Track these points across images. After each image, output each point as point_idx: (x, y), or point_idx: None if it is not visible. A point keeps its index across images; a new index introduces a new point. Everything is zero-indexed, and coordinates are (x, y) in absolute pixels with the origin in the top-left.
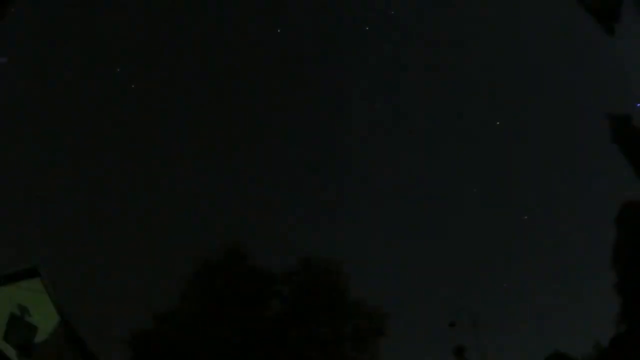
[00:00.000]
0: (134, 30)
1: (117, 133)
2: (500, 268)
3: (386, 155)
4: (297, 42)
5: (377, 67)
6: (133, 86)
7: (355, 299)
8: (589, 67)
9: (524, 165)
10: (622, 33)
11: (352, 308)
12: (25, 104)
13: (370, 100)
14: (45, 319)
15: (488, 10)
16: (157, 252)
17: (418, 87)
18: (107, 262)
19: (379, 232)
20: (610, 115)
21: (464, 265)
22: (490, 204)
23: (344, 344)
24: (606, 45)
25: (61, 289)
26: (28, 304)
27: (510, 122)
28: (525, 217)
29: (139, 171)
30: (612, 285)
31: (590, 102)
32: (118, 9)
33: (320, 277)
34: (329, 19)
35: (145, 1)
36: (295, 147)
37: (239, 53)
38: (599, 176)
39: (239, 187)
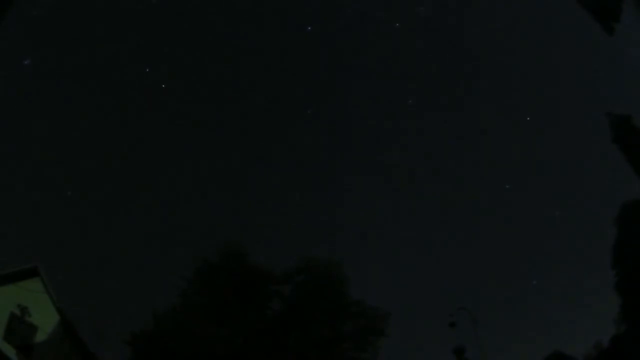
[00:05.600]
0: (144, 31)
1: (116, 133)
2: (500, 268)
3: (390, 152)
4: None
5: (394, 64)
6: (137, 86)
7: (355, 299)
8: (589, 67)
9: (521, 165)
10: (622, 33)
11: (352, 308)
12: (27, 103)
13: (381, 97)
14: (45, 319)
15: (486, 9)
16: (157, 252)
17: (430, 86)
18: (107, 262)
19: (380, 232)
20: (610, 115)
21: (465, 266)
22: (488, 205)
23: (344, 344)
24: (606, 45)
25: (61, 289)
26: (28, 304)
27: (507, 122)
28: (524, 218)
29: (140, 171)
30: (612, 285)
31: (590, 102)
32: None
33: (321, 277)
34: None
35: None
36: (296, 146)
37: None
38: (599, 176)
39: (239, 187)
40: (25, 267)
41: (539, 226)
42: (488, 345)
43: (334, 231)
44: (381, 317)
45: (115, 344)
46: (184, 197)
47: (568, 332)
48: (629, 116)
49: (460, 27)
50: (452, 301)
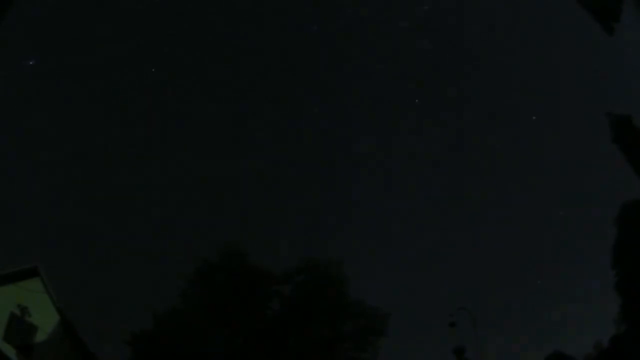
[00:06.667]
0: (147, 31)
1: (116, 133)
2: (500, 268)
3: (391, 153)
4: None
5: (401, 60)
6: (138, 88)
7: (355, 299)
8: (589, 67)
9: (521, 165)
10: (622, 33)
11: (352, 308)
12: (27, 103)
13: (381, 97)
14: (45, 319)
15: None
16: (157, 252)
17: (430, 86)
18: (107, 262)
19: (380, 232)
20: (610, 115)
21: (465, 266)
22: (488, 205)
23: (344, 344)
24: (606, 45)
25: (61, 289)
26: (28, 304)
27: (507, 122)
28: (524, 218)
29: (139, 170)
30: (612, 285)
31: (590, 102)
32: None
33: (321, 277)
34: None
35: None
36: (296, 145)
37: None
38: (599, 176)
39: (240, 187)
40: (25, 267)
41: (539, 226)
42: (488, 345)
43: (334, 231)
44: (381, 317)
45: (116, 344)
46: (184, 197)
47: (568, 332)
48: (629, 116)
49: (460, 27)
50: (452, 301)
